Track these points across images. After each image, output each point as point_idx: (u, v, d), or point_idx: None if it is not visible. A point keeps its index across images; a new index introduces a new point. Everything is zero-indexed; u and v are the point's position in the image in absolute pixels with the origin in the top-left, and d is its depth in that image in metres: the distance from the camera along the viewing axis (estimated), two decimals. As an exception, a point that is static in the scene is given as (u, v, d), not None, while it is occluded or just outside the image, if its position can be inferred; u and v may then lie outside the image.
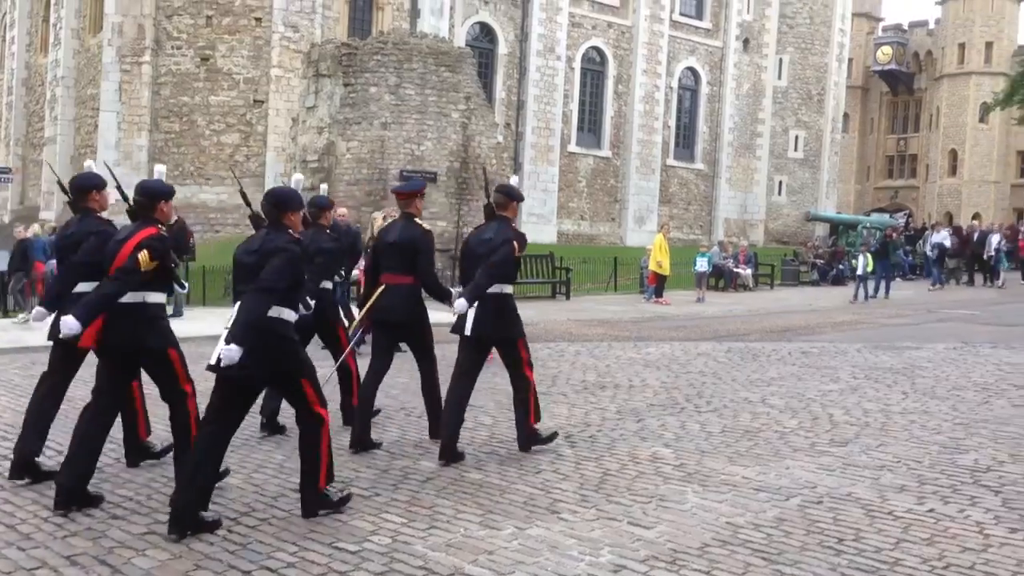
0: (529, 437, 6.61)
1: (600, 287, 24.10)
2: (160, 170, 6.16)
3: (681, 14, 42.63)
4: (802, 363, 10.82)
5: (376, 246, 7.10)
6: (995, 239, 27.62)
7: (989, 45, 58.88)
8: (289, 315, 5.03)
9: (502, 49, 36.90)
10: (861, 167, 65.98)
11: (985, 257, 27.32)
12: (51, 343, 5.92)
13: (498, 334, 6.50)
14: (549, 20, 37.48)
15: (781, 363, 10.86)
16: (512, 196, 6.78)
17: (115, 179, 6.06)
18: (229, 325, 4.86)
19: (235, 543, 4.70)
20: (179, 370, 5.51)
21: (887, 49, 64.14)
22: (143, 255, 5.20)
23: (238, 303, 4.93)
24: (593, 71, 40.17)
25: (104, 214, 5.99)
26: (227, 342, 4.74)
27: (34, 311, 5.91)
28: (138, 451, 6.21)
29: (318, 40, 27.20)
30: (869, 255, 23.23)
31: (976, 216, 51.68)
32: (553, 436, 6.78)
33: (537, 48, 37.19)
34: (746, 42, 44.48)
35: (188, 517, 4.78)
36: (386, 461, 6.35)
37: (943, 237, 28.33)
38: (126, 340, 5.33)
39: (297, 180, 6.48)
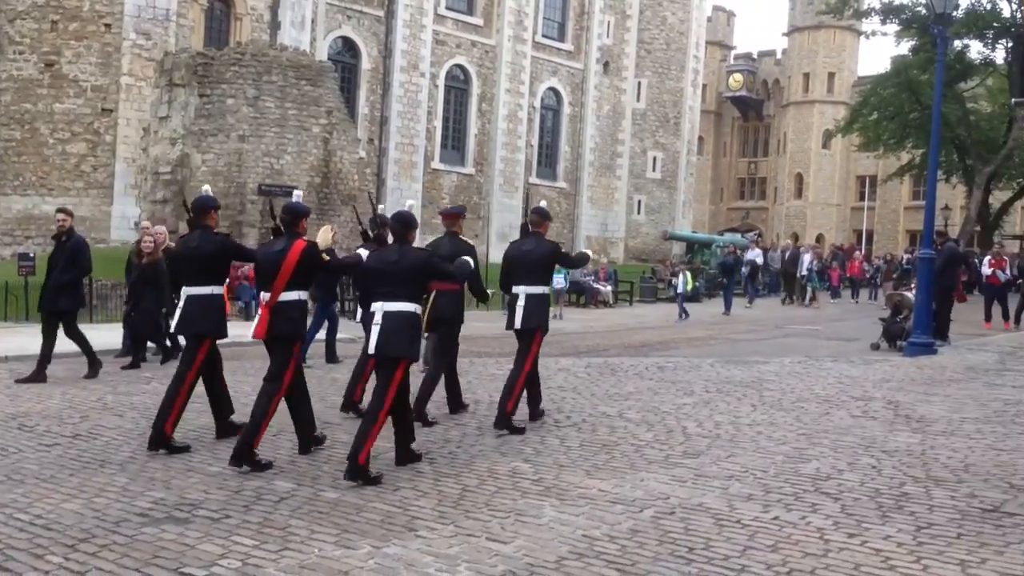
0: (500, 418, 7.88)
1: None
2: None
3: (544, 36, 43.39)
4: (658, 377, 11.09)
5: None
6: (807, 259, 28.48)
7: (831, 75, 62.28)
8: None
9: (365, 64, 36.66)
10: (715, 188, 68.56)
11: (798, 276, 28.11)
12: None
13: (534, 323, 8.10)
14: (413, 37, 37.49)
15: (638, 378, 11.10)
16: (546, 217, 8.56)
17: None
18: (381, 321, 6.41)
19: (73, 571, 4.45)
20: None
21: (738, 76, 67.06)
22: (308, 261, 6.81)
23: (382, 301, 6.46)
24: (457, 88, 40.39)
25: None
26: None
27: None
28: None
29: (172, 49, 26.38)
30: (688, 274, 24.06)
31: (794, 236, 54.40)
32: (522, 430, 7.85)
33: (401, 64, 37.12)
34: (606, 65, 45.62)
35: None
36: (238, 482, 6.15)
37: (756, 255, 29.51)
38: (289, 330, 6.80)
39: (411, 205, 8.18)
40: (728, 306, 24.12)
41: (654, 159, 48.35)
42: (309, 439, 7.08)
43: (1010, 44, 33.71)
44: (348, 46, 36.45)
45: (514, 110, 41.48)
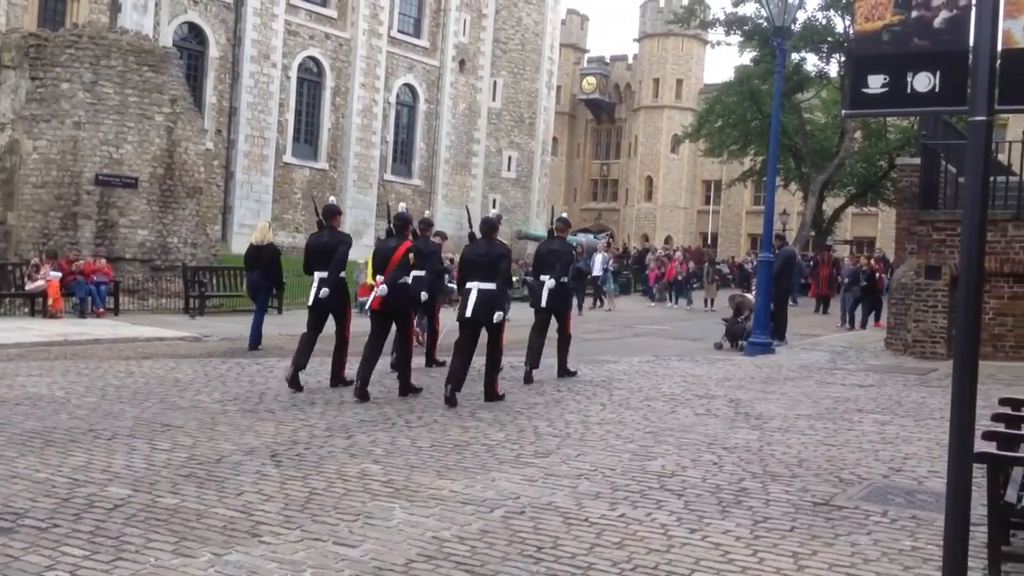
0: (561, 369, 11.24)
1: (314, 301, 23.65)
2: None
3: (399, 31, 43.09)
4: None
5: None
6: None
7: (680, 82, 64.41)
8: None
9: (213, 52, 35.47)
10: (569, 189, 69.77)
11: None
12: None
13: (558, 305, 10.97)
14: (264, 26, 36.53)
15: (490, 376, 11.13)
16: (567, 224, 11.77)
17: None
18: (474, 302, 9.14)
19: None
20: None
21: (591, 79, 68.45)
22: (411, 256, 9.52)
23: (475, 282, 9.19)
24: (310, 81, 39.63)
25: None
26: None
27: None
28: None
29: (2, 28, 24.78)
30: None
31: (644, 237, 56.20)
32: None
33: (251, 54, 36.11)
34: (462, 63, 45.71)
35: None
36: (68, 489, 5.80)
37: (599, 259, 27.90)
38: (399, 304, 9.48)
39: (496, 214, 10.60)
40: (579, 306, 24.54)
41: (509, 158, 48.77)
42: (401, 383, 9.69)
43: (843, 58, 35.61)
44: (195, 32, 35.17)
45: (369, 105, 41.02)
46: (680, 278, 28.12)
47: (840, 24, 35.59)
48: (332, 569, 4.54)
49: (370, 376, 9.34)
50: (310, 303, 10.28)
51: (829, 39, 36.36)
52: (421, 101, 44.30)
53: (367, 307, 9.93)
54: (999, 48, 3.34)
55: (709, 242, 58.50)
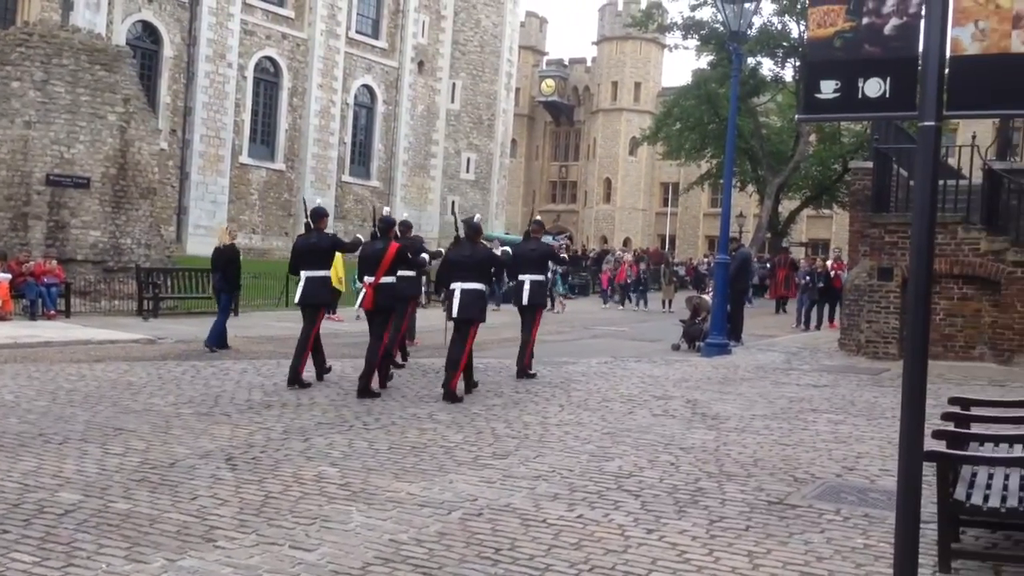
0: (522, 369, 11.33)
1: (271, 303, 23.44)
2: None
3: (357, 31, 42.90)
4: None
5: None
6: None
7: (638, 85, 64.81)
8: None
9: (168, 51, 35.05)
10: (527, 191, 69.88)
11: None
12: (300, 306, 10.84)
13: (538, 301, 11.63)
14: (220, 25, 36.16)
15: (448, 378, 11.11)
16: (542, 227, 12.61)
17: None
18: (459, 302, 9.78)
19: None
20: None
21: (550, 82, 68.64)
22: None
23: (459, 283, 9.84)
24: (267, 82, 39.31)
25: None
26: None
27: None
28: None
29: (-49, 24, 24.29)
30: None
31: (603, 239, 56.45)
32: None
33: (207, 53, 35.73)
34: (421, 64, 45.60)
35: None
36: (18, 494, 5.70)
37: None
38: (387, 303, 10.03)
39: (478, 218, 11.43)
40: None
41: (468, 160, 48.75)
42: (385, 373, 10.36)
43: (797, 63, 36.05)
44: (149, 31, 34.72)
45: (327, 106, 40.78)
46: (629, 280, 28.32)
47: (795, 29, 36.02)
48: (288, 573, 4.50)
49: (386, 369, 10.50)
50: (297, 300, 10.95)
51: (784, 44, 36.80)
52: (379, 102, 44.12)
53: (358, 306, 10.56)
54: (947, 55, 3.40)
55: (668, 244, 58.91)
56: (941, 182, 12.03)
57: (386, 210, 11.92)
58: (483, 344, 16.48)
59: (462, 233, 10.72)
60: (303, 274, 10.71)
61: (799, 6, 33.50)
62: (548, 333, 18.98)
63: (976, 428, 5.96)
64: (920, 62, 3.45)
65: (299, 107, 40.02)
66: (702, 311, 16.29)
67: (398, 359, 11.75)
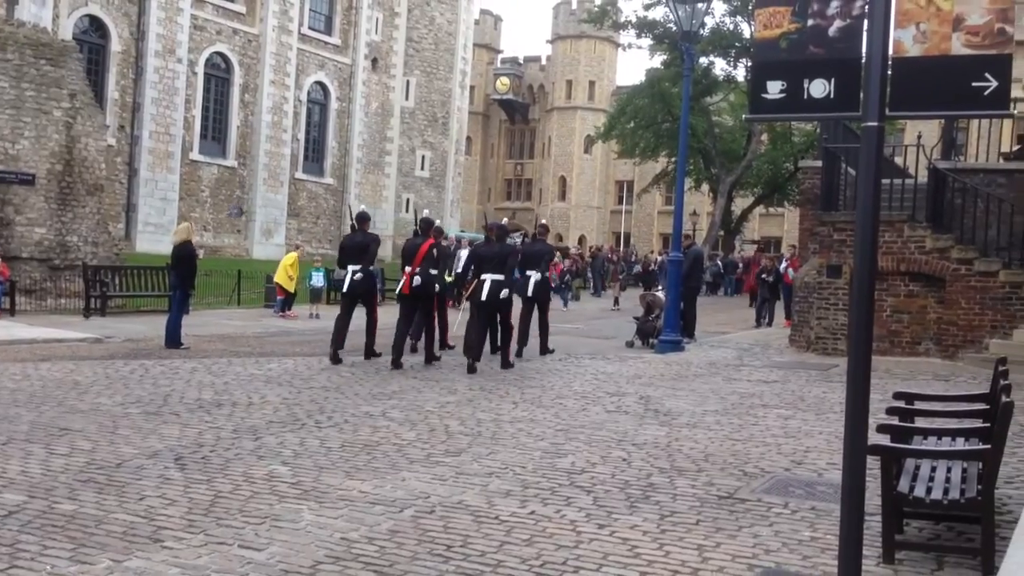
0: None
1: (223, 301, 23.20)
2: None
3: (310, 28, 42.56)
4: (422, 376, 11.13)
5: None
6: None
7: (592, 83, 65.12)
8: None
9: (115, 46, 34.46)
10: (483, 188, 69.90)
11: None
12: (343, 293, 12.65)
13: (541, 295, 13.63)
14: (169, 20, 35.64)
15: (402, 376, 11.10)
16: (547, 229, 15.05)
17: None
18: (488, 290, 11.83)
19: None
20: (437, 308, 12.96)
21: (505, 80, 68.71)
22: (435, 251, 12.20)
23: (488, 274, 11.87)
24: (218, 77, 38.84)
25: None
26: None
27: None
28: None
29: None
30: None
31: (558, 237, 56.68)
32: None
33: (156, 48, 35.20)
34: (375, 61, 45.36)
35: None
36: (-41, 497, 5.58)
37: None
38: (424, 290, 12.07)
39: (506, 221, 13.69)
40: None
41: (423, 158, 48.59)
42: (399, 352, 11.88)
43: (749, 63, 36.47)
44: (96, 26, 34.11)
45: (279, 102, 40.39)
46: (554, 283, 28.17)
47: (747, 30, 36.47)
48: (236, 573, 4.46)
49: (403, 348, 11.99)
50: (344, 290, 12.60)
51: (736, 44, 37.24)
52: (333, 99, 43.81)
53: (398, 291, 12.33)
54: (890, 56, 3.47)
55: (623, 242, 59.24)
56: (888, 181, 12.23)
57: (426, 212, 13.20)
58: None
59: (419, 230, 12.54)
60: (350, 268, 12.30)
61: (750, 7, 33.87)
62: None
63: (920, 422, 6.09)
64: (863, 63, 3.51)
65: (251, 103, 39.60)
66: (656, 308, 16.40)
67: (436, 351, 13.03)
